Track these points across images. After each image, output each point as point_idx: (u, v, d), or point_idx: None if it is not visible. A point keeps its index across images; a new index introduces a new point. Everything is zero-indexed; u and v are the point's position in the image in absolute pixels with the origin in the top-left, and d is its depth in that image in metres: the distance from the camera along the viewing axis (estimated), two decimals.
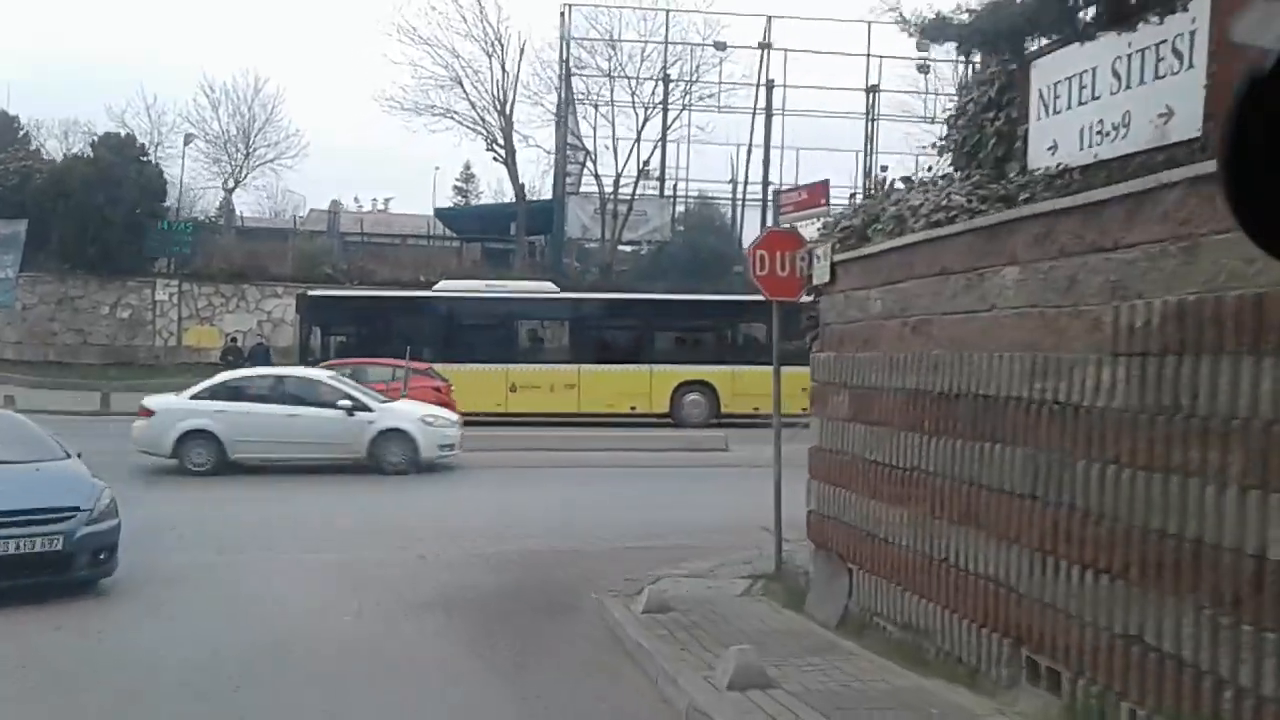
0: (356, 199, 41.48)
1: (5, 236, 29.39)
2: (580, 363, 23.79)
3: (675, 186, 33.84)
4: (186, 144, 33.57)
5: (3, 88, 40.55)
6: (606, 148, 31.41)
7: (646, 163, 31.47)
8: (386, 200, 43.57)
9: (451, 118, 33.58)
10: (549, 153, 33.44)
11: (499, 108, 33.49)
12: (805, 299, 9.00)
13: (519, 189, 34.63)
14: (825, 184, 9.59)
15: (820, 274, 7.69)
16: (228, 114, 37.86)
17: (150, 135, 35.62)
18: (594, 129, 31.77)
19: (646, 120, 31.19)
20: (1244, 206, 1.21)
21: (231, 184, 38.48)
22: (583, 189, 33.66)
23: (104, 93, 62.25)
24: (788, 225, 9.29)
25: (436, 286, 24.80)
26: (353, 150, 58.50)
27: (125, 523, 8.74)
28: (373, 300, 25.34)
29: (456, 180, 50.91)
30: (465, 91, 33.48)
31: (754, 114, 32.16)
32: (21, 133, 30.76)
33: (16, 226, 29.40)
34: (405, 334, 24.06)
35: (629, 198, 31.21)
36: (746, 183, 32.36)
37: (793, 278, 8.67)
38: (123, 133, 30.12)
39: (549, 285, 26.01)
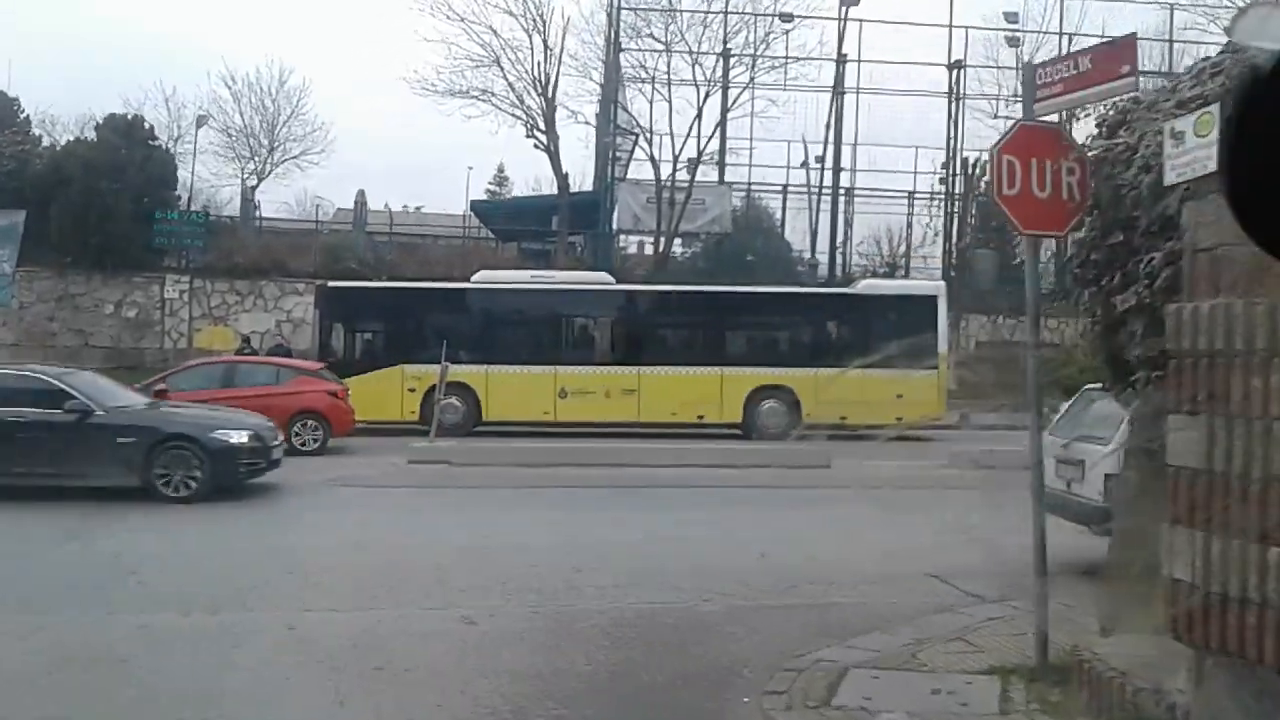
0: (386, 204, 38.93)
1: (1, 229, 26.74)
2: (640, 365, 20.58)
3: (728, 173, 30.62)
4: (199, 126, 30.84)
5: (2, 66, 38.29)
6: (660, 131, 28.18)
7: (704, 148, 28.31)
8: (418, 208, 40.92)
9: (489, 100, 30.62)
10: (592, 125, 30.22)
11: (540, 89, 30.49)
12: (1067, 234, 5.80)
13: (562, 179, 31.58)
14: (1132, 41, 6.26)
15: (1194, 164, 4.42)
16: (250, 106, 35.30)
17: (169, 129, 33.05)
18: (650, 104, 28.49)
19: (707, 96, 28.04)
20: (1245, 207, 1.19)
21: (254, 180, 35.92)
22: (630, 176, 30.57)
23: (121, 88, 59.87)
24: (1049, 118, 6.03)
25: (475, 277, 21.70)
26: (382, 151, 55.93)
27: None
28: (401, 293, 22.23)
29: (490, 184, 48.20)
30: (504, 71, 30.54)
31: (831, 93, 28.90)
32: (22, 115, 28.16)
33: (14, 218, 26.66)
34: (438, 331, 21.03)
35: (687, 183, 27.99)
36: (832, 170, 28.94)
37: (1057, 201, 5.48)
38: (129, 114, 27.40)
39: (603, 275, 22.86)
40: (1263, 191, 1.16)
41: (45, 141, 27.68)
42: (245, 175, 34.86)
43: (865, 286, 22.67)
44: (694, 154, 28.29)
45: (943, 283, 23.67)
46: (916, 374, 20.72)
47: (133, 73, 52.91)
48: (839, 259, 29.49)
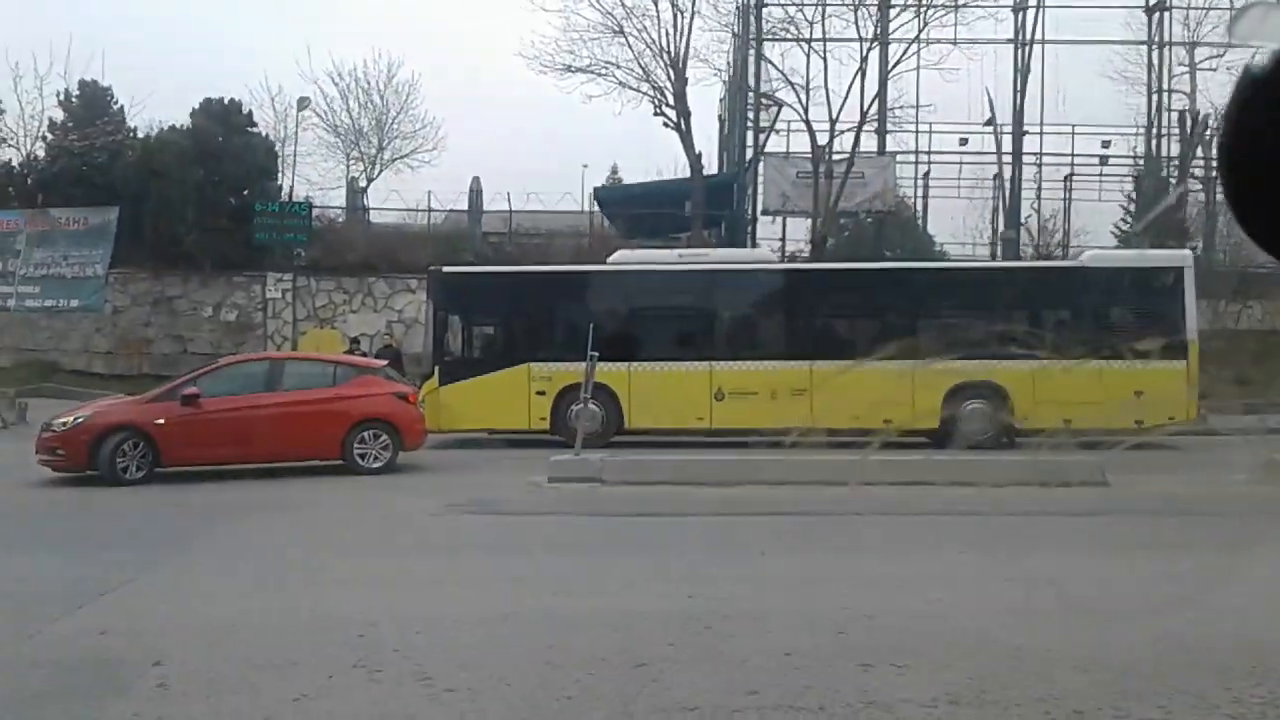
0: (507, 194, 35.96)
1: (94, 228, 24.75)
2: (812, 359, 16.82)
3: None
4: (301, 109, 28.41)
5: (97, 55, 36.78)
6: (815, 92, 24.32)
7: (868, 108, 24.37)
8: (533, 194, 38.11)
9: (611, 75, 27.39)
10: (722, 96, 26.55)
11: (669, 59, 27.11)
12: None
13: (694, 158, 28.13)
14: None
15: None
16: (358, 103, 32.91)
17: (275, 131, 30.89)
18: (807, 59, 24.54)
19: (870, 51, 24.16)
20: (1245, 207, 1.19)
21: (364, 182, 33.54)
22: (764, 151, 26.87)
23: (223, 88, 58.55)
24: None
25: (613, 258, 18.37)
26: (493, 156, 53.51)
27: None
28: (527, 279, 18.89)
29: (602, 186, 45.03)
30: (628, 41, 27.29)
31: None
32: (115, 105, 26.15)
33: (107, 215, 24.72)
34: (569, 323, 17.73)
35: (848, 154, 24.21)
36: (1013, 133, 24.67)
37: None
38: (226, 99, 25.06)
39: (765, 252, 19.28)
40: (1264, 192, 1.14)
41: (140, 133, 25.58)
42: (353, 175, 32.59)
43: (1092, 258, 18.55)
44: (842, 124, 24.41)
45: (1189, 252, 19.37)
46: (1159, 366, 16.61)
47: (236, 72, 51.55)
48: (1022, 235, 25.30)
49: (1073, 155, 27.61)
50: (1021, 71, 25.30)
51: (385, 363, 16.34)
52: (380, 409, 13.78)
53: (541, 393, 17.18)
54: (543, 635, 6.08)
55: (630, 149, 56.66)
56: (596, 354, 12.66)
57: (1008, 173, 26.35)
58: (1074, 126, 26.74)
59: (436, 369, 17.30)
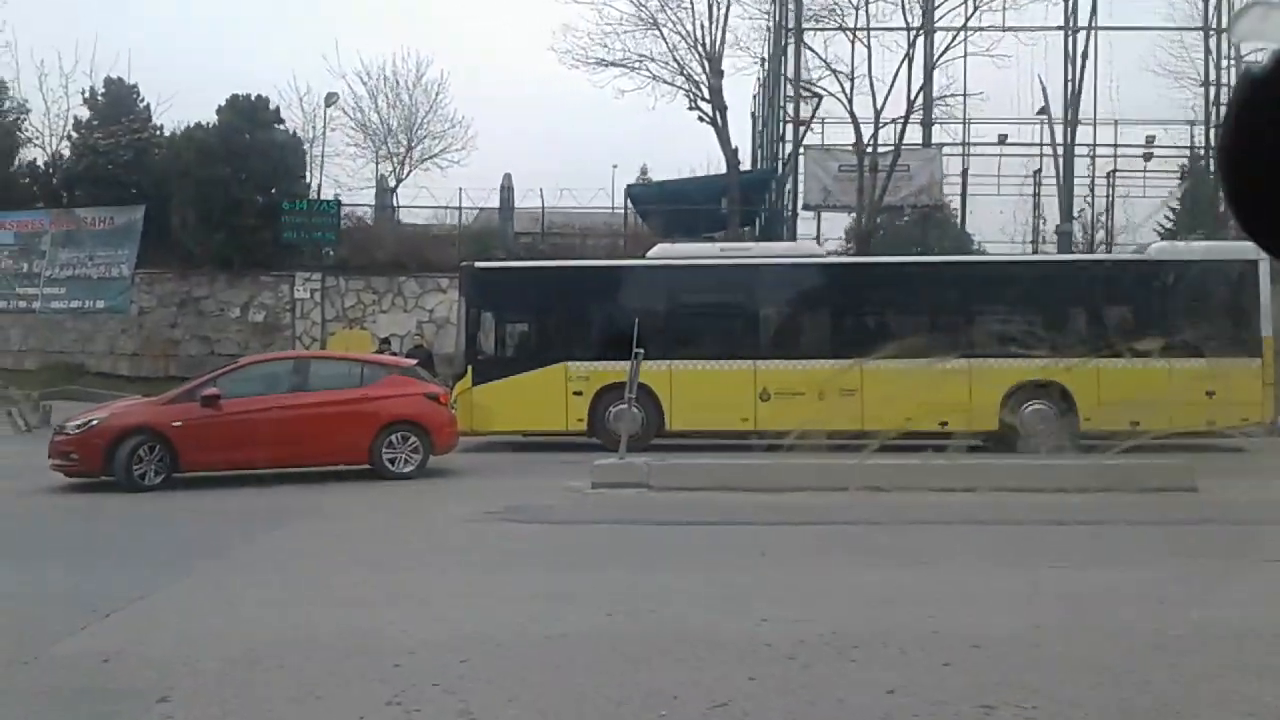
0: (540, 190, 35.20)
1: (120, 227, 24.28)
2: (863, 358, 15.85)
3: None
4: (329, 105, 27.78)
5: (123, 53, 36.39)
6: (858, 82, 23.36)
7: (914, 98, 23.42)
8: (566, 190, 37.28)
9: (645, 68, 26.65)
10: (759, 88, 25.70)
11: (704, 51, 26.34)
12: None
13: (730, 154, 27.35)
14: None
15: None
16: (386, 103, 32.32)
17: (304, 131, 30.32)
18: (852, 46, 23.49)
19: (916, 38, 23.24)
20: (1245, 207, 1.17)
21: (392, 182, 32.96)
22: (804, 145, 25.93)
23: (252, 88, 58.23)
24: None
25: (652, 252, 17.59)
26: (523, 157, 52.84)
27: None
28: (561, 274, 18.06)
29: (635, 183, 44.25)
30: (662, 34, 26.55)
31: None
32: (142, 103, 25.67)
33: (133, 214, 24.24)
34: (607, 320, 17.01)
35: (892, 146, 23.27)
36: (1065, 123, 23.58)
37: None
38: (253, 95, 24.49)
39: (811, 245, 18.44)
40: (1263, 192, 1.13)
41: (166, 131, 25.11)
42: (383, 175, 31.99)
43: (1160, 250, 17.59)
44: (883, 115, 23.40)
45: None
46: (1232, 364, 15.63)
47: (264, 73, 51.17)
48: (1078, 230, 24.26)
49: (1115, 148, 26.56)
50: (1072, 59, 24.30)
51: (415, 362, 15.66)
52: (410, 410, 13.07)
53: (579, 393, 16.46)
54: (602, 664, 5.34)
55: (659, 149, 55.87)
56: (641, 351, 11.88)
57: (1050, 166, 25.39)
58: (1117, 121, 25.74)
59: (469, 368, 16.61)
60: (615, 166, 44.65)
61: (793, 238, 24.77)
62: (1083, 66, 23.79)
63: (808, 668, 5.27)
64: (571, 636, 5.86)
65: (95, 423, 12.03)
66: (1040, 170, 26.52)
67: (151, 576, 7.35)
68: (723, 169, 27.71)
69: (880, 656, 5.47)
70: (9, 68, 34.43)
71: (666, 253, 17.38)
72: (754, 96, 34.12)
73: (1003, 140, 26.44)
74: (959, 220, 26.69)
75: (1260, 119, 1.11)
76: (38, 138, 27.10)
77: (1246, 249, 17.40)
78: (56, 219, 24.76)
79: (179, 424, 11.93)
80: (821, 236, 26.00)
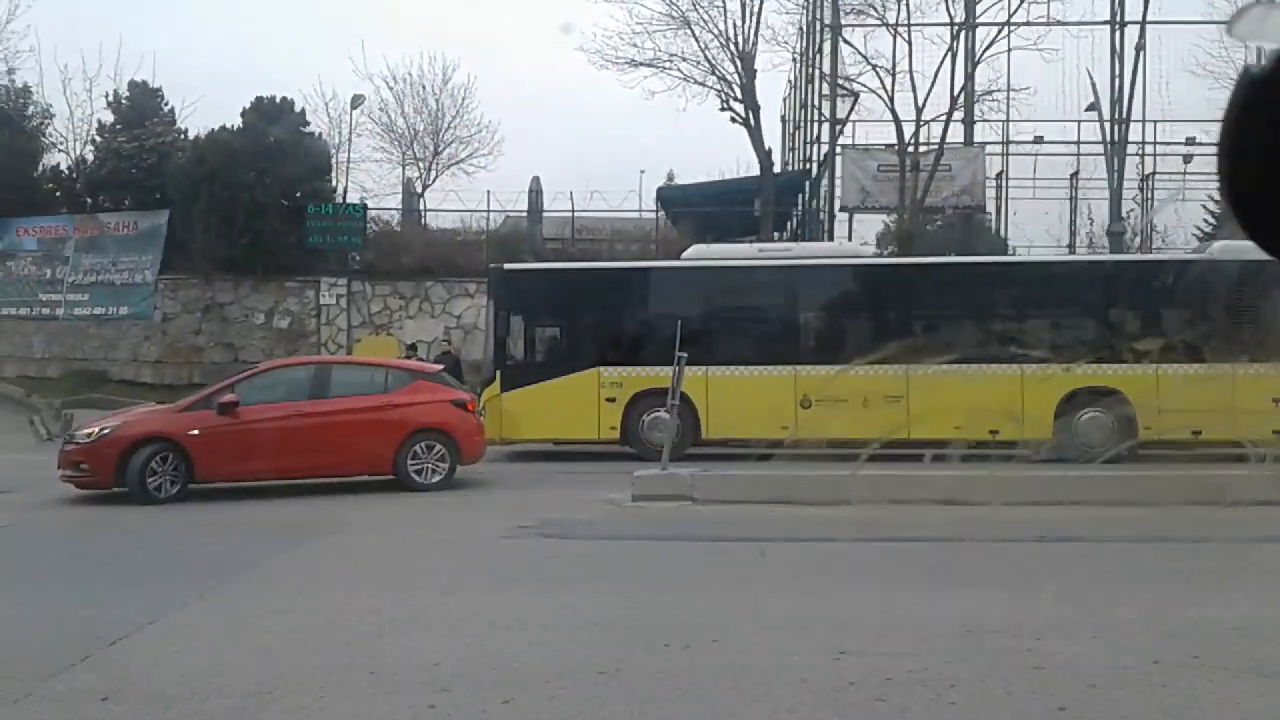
0: (570, 193, 34.63)
1: (144, 232, 23.87)
2: (909, 363, 15.12)
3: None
4: (355, 107, 27.34)
5: (147, 56, 35.94)
6: (899, 77, 22.55)
7: (957, 94, 22.66)
8: (595, 193, 36.69)
9: (676, 67, 26.03)
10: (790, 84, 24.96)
11: (737, 50, 25.70)
12: None
13: (764, 155, 26.68)
14: None
15: None
16: (413, 108, 31.86)
17: (330, 137, 29.88)
18: (893, 42, 22.69)
19: (958, 34, 22.48)
20: (1245, 207, 1.18)
21: (419, 187, 32.49)
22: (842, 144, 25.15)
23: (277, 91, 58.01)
24: None
25: (687, 253, 16.96)
26: (550, 163, 52.36)
27: None
28: (592, 276, 17.48)
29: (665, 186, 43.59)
30: (694, 33, 25.93)
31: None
32: (166, 107, 25.28)
33: (156, 219, 23.83)
34: (641, 324, 16.41)
35: (934, 145, 22.50)
36: (1112, 120, 22.65)
37: None
38: (278, 97, 24.07)
39: (856, 246, 17.74)
40: (1263, 193, 1.14)
41: (190, 134, 24.68)
42: (410, 178, 31.54)
43: (1223, 249, 16.74)
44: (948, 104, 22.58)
45: None
46: None
47: (290, 78, 50.95)
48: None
49: (1155, 146, 25.64)
50: (1119, 55, 23.41)
51: (441, 367, 15.05)
52: (436, 418, 12.44)
53: (612, 399, 15.83)
54: (667, 705, 4.66)
55: (686, 155, 55.36)
56: (685, 356, 11.21)
57: (1089, 165, 24.55)
58: (1157, 120, 24.85)
59: (498, 374, 16.03)
60: (643, 172, 44.00)
61: (830, 240, 24.06)
62: (1137, 60, 22.89)
63: (904, 711, 4.59)
64: (626, 671, 5.20)
65: (107, 431, 11.46)
66: (1077, 173, 25.69)
67: (163, 598, 6.75)
68: (752, 172, 27.13)
69: (982, 699, 4.78)
70: (33, 72, 34.43)
71: (702, 254, 16.74)
72: (784, 99, 33.49)
73: (1039, 140, 25.61)
74: (993, 223, 25.83)
75: (1260, 119, 1.10)
76: (62, 143, 26.79)
77: None
78: (80, 224, 24.40)
79: (195, 432, 11.37)
80: (858, 238, 25.29)
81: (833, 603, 6.64)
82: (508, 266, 16.97)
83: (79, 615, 6.35)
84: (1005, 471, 11.19)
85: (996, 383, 15.10)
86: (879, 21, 22.55)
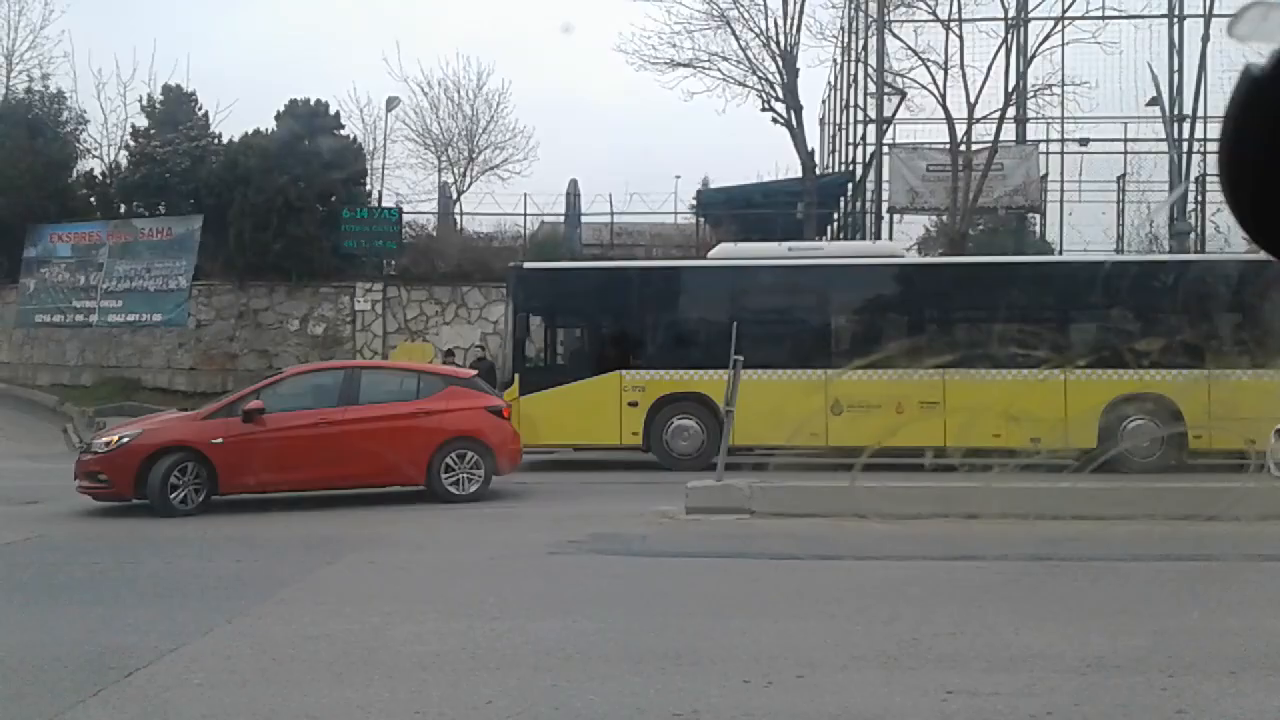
0: (609, 195, 34.08)
1: (177, 238, 23.53)
2: (946, 367, 14.20)
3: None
4: (390, 109, 26.89)
5: (181, 61, 35.74)
6: (948, 72, 21.66)
7: (1012, 90, 21.76)
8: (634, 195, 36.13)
9: (716, 68, 25.35)
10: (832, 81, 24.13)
11: (778, 48, 25.00)
12: None
13: (806, 156, 25.94)
14: None
15: None
16: (447, 113, 31.44)
17: (365, 142, 29.52)
18: (946, 37, 21.73)
19: (1010, 28, 21.60)
20: (1245, 207, 1.19)
21: (453, 193, 32.08)
22: (889, 143, 24.34)
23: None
24: None
25: (714, 252, 16.39)
26: (586, 169, 51.94)
27: None
28: (615, 276, 16.84)
29: (693, 200, 42.83)
30: (734, 31, 25.26)
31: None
32: (200, 111, 24.96)
33: (190, 225, 23.49)
34: (665, 325, 15.92)
35: (986, 143, 21.64)
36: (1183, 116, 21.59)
37: None
38: (313, 100, 23.67)
39: (889, 245, 17.08)
40: (1263, 192, 1.14)
41: (224, 138, 24.35)
42: (445, 182, 31.12)
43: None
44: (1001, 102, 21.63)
45: None
46: None
47: (325, 83, 50.80)
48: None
49: (1205, 147, 24.61)
50: (1178, 49, 22.46)
51: (475, 372, 14.44)
52: (471, 425, 11.82)
53: (634, 404, 15.25)
54: None
55: (722, 160, 54.70)
56: (741, 358, 10.53)
57: (1151, 164, 23.57)
58: (1206, 117, 23.79)
59: (516, 377, 15.51)
60: (678, 177, 43.54)
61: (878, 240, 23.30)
62: (1203, 53, 21.90)
63: None
64: (705, 714, 4.54)
65: (126, 440, 10.84)
66: (1124, 175, 24.72)
67: (186, 622, 6.16)
68: (789, 175, 26.42)
69: None
70: (67, 78, 34.31)
71: (729, 253, 16.16)
72: (822, 102, 32.76)
73: (1084, 144, 24.66)
74: (1039, 224, 24.89)
75: (1260, 119, 1.10)
76: (96, 148, 26.56)
77: None
78: (113, 231, 24.10)
79: (219, 441, 10.79)
80: (899, 239, 24.48)
81: (925, 630, 5.93)
82: (527, 266, 16.44)
83: (95, 641, 5.77)
84: (1090, 484, 10.40)
85: (1038, 388, 14.34)
86: (929, 15, 21.71)
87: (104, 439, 11.03)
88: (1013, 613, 6.45)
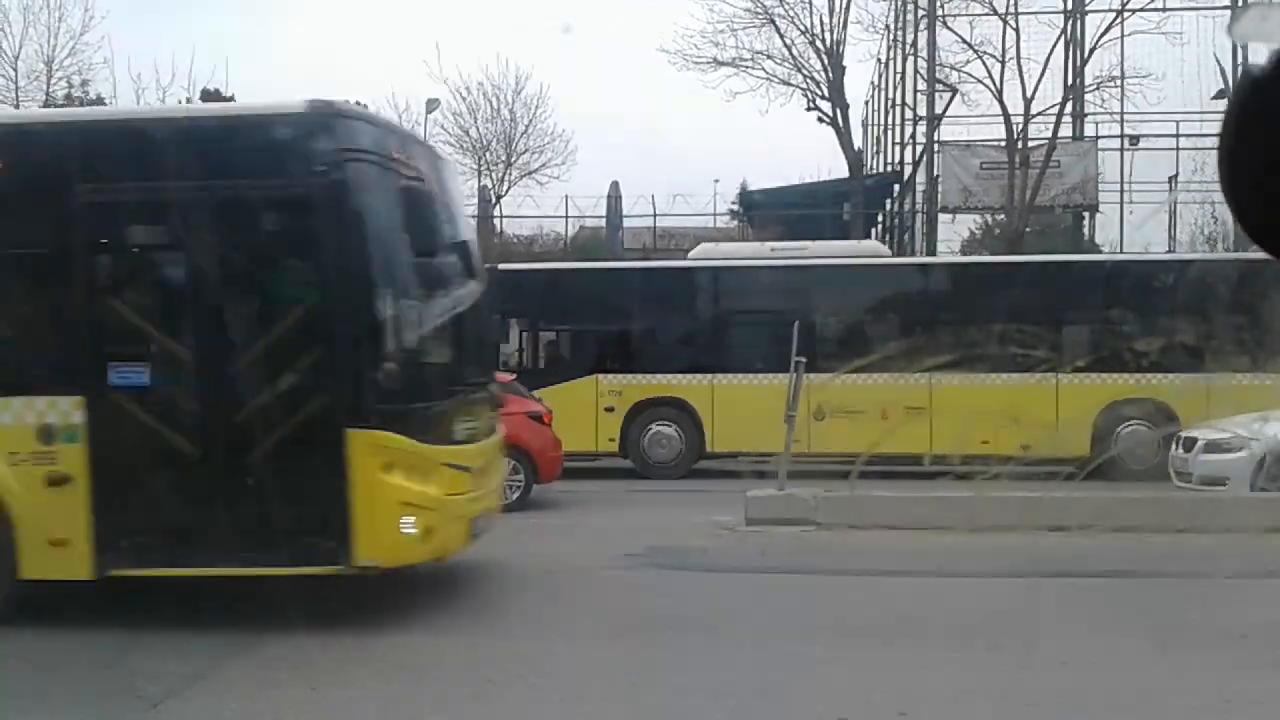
0: (652, 197, 33.78)
1: None
2: (932, 371, 13.25)
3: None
4: (430, 111, 26.50)
5: (220, 65, 35.50)
6: (1004, 73, 20.94)
7: (1073, 83, 20.94)
8: (679, 215, 35.59)
9: (760, 67, 24.77)
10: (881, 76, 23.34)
11: (824, 46, 24.37)
12: None
13: (853, 155, 25.31)
14: None
15: None
16: (485, 118, 31.07)
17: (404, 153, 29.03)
18: (1003, 30, 20.97)
19: (1070, 19, 20.80)
20: (1245, 206, 1.16)
21: (491, 198, 31.70)
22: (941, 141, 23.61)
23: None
24: None
25: (694, 253, 15.89)
26: (621, 172, 51.46)
27: None
28: (591, 277, 16.43)
29: (732, 204, 42.38)
30: (778, 29, 24.67)
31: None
32: None
33: None
34: (643, 328, 15.39)
35: (1045, 140, 20.85)
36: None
37: None
38: (351, 100, 23.29)
39: (873, 245, 16.50)
40: (1263, 192, 1.13)
41: None
42: (484, 186, 30.77)
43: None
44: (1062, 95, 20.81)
45: None
46: None
47: (364, 88, 50.68)
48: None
49: None
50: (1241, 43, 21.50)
51: (514, 375, 13.87)
52: (510, 431, 11.24)
53: (610, 409, 14.67)
54: None
55: (761, 164, 53.99)
56: (803, 360, 9.91)
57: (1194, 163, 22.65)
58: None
59: None
60: (717, 181, 43.00)
61: (931, 244, 22.61)
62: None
63: None
64: None
65: None
66: (1183, 173, 23.84)
67: (220, 640, 5.67)
68: (832, 177, 25.77)
69: None
70: (106, 84, 34.19)
71: (710, 253, 15.72)
72: (865, 102, 32.07)
73: (1134, 142, 23.78)
74: (1086, 224, 24.01)
75: (1260, 119, 1.10)
76: None
77: None
78: None
79: None
80: (944, 242, 23.78)
81: (1033, 660, 5.31)
82: (502, 267, 15.94)
83: (118, 668, 5.29)
84: (1182, 494, 9.72)
85: (1028, 393, 13.64)
86: (984, 9, 20.95)
87: None
88: (1125, 637, 5.81)
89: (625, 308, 15.34)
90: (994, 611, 6.42)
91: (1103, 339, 14.38)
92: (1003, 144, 21.55)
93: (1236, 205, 1.16)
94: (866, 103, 31.96)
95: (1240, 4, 22.18)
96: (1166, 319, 14.08)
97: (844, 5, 23.97)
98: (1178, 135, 23.11)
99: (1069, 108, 21.83)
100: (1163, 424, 13.43)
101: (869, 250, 16.49)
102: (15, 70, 27.15)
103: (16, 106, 26.91)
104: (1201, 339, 13.67)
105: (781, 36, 24.59)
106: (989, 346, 13.74)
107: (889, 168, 27.67)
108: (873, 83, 30.78)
